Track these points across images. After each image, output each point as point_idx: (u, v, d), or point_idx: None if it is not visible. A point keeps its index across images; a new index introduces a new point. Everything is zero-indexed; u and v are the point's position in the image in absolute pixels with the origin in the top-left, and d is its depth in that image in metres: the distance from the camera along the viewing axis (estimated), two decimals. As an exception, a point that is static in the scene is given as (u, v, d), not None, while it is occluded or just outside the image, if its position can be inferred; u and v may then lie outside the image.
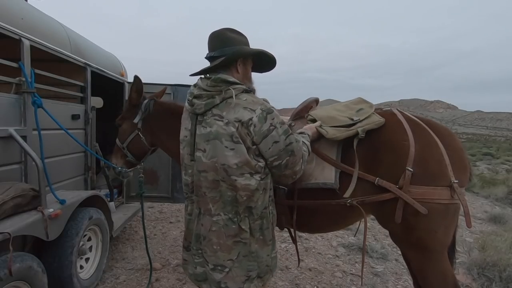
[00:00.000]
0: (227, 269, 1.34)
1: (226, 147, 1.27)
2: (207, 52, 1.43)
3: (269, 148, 1.29)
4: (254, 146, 1.30)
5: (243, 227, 1.33)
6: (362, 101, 1.89)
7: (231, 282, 1.34)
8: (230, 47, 1.37)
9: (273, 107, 1.36)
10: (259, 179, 1.32)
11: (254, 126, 1.26)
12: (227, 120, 1.27)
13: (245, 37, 1.45)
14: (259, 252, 1.37)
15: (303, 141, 1.48)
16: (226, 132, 1.27)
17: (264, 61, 1.54)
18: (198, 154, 1.35)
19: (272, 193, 1.49)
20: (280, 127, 1.31)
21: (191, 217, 1.45)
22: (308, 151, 1.50)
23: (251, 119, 1.26)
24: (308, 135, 1.61)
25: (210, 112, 1.33)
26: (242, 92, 1.34)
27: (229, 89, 1.30)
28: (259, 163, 1.31)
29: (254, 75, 1.55)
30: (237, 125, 1.26)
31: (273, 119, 1.29)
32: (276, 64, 1.55)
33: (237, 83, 1.34)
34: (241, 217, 1.33)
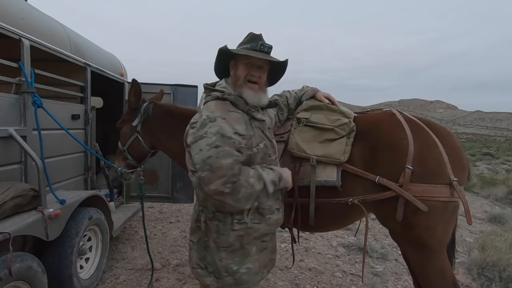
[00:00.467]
0: (189, 247, 1.53)
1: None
2: None
3: (196, 154, 1.27)
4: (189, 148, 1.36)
5: (201, 218, 1.44)
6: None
7: (190, 260, 1.53)
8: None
9: (225, 119, 1.29)
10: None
11: (195, 129, 1.32)
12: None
13: (250, 35, 1.45)
14: (213, 252, 1.41)
15: (259, 175, 1.31)
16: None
17: (276, 67, 1.54)
18: None
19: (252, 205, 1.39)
20: (211, 137, 1.24)
21: None
22: (264, 189, 1.32)
23: (196, 122, 1.34)
24: (282, 175, 1.43)
25: None
26: (214, 99, 1.42)
27: (203, 95, 1.47)
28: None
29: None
30: (188, 126, 1.37)
31: (210, 127, 1.26)
32: (286, 67, 1.55)
33: (215, 90, 1.45)
34: (200, 209, 1.45)
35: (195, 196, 1.54)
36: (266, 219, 1.40)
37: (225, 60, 1.48)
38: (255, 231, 1.38)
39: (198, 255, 1.47)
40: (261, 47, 1.37)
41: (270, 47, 1.40)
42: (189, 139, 1.33)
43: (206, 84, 1.52)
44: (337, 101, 1.88)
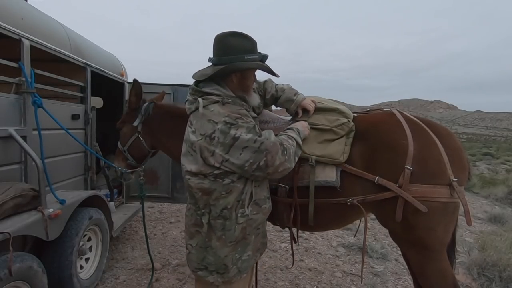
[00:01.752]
0: (187, 251, 1.53)
1: (188, 152, 1.40)
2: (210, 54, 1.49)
3: (240, 154, 1.30)
4: (216, 156, 1.31)
5: (203, 221, 1.43)
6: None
7: (189, 263, 1.53)
8: (229, 56, 1.39)
9: (242, 117, 1.35)
10: (213, 179, 1.36)
11: (218, 139, 1.31)
12: (193, 129, 1.38)
13: (250, 40, 1.42)
14: (217, 250, 1.43)
15: (288, 135, 1.51)
16: (189, 139, 1.39)
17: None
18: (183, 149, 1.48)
19: (252, 198, 1.44)
20: (246, 135, 1.31)
21: None
22: (298, 144, 1.51)
23: (214, 131, 1.31)
24: (298, 130, 1.60)
25: (190, 116, 1.46)
26: (214, 103, 1.39)
27: (197, 100, 1.40)
28: (215, 171, 1.35)
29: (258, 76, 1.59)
30: (200, 137, 1.34)
31: (237, 129, 1.31)
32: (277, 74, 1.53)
33: (211, 94, 1.41)
34: (202, 212, 1.43)
35: (189, 202, 1.50)
36: (262, 208, 1.51)
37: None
38: (254, 221, 1.48)
39: (198, 258, 1.47)
40: (264, 58, 1.46)
41: (268, 56, 1.49)
42: (218, 150, 1.30)
43: (195, 87, 1.46)
44: (337, 101, 1.86)
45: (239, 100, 1.47)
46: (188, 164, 1.39)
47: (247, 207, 1.43)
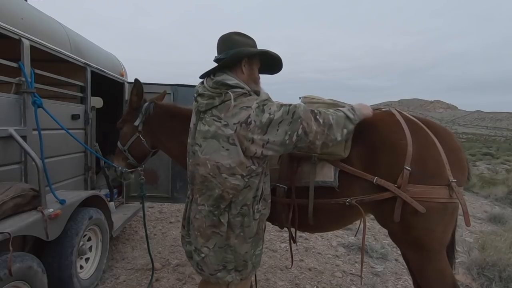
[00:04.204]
0: (203, 255, 1.45)
1: (223, 147, 1.34)
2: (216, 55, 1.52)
3: (277, 130, 1.33)
4: (256, 142, 1.33)
5: (222, 220, 1.41)
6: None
7: (205, 267, 1.46)
8: (235, 48, 1.44)
9: (269, 99, 1.41)
10: (247, 180, 1.38)
11: (254, 122, 1.32)
12: (225, 122, 1.34)
13: (252, 39, 1.50)
14: (237, 247, 1.43)
15: (336, 109, 1.50)
16: (223, 133, 1.34)
17: (270, 62, 1.58)
18: (195, 148, 1.44)
19: (262, 194, 1.49)
20: (279, 110, 1.34)
21: (187, 200, 1.58)
22: (346, 116, 1.46)
23: (249, 116, 1.32)
24: (353, 107, 1.55)
25: (210, 111, 1.40)
26: (241, 95, 1.39)
27: (228, 93, 1.37)
28: (252, 166, 1.36)
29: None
30: (235, 127, 1.32)
31: (270, 108, 1.34)
32: (283, 64, 1.59)
33: (237, 87, 1.40)
34: (221, 211, 1.41)
35: (200, 204, 1.45)
36: (268, 203, 1.56)
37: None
38: (264, 216, 1.54)
39: (216, 260, 1.43)
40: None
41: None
42: (256, 134, 1.31)
43: (219, 80, 1.41)
44: (337, 101, 1.86)
45: (255, 94, 1.48)
46: (225, 160, 1.33)
47: (258, 202, 1.47)
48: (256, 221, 1.46)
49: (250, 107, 1.34)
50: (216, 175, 1.37)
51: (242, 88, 1.41)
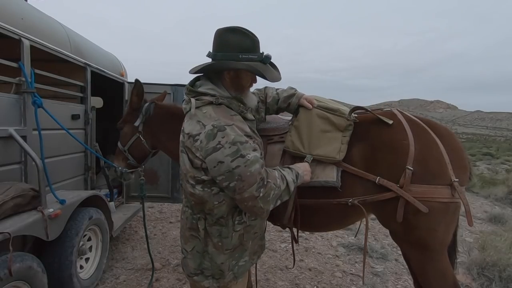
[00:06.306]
0: (183, 256, 1.49)
1: (181, 150, 1.36)
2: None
3: (214, 167, 1.22)
4: (198, 159, 1.26)
5: (199, 226, 1.38)
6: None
7: (185, 267, 1.49)
8: (223, 53, 1.33)
9: (233, 124, 1.26)
10: (201, 189, 1.30)
11: (200, 142, 1.23)
12: (183, 128, 1.35)
13: (250, 38, 1.34)
14: (214, 256, 1.38)
15: (282, 175, 1.36)
16: (181, 139, 1.35)
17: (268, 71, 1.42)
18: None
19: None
20: (229, 147, 1.20)
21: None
22: (287, 188, 1.35)
23: (198, 134, 1.24)
24: (298, 173, 1.46)
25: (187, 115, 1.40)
26: (207, 104, 1.32)
27: (190, 100, 1.35)
28: (202, 176, 1.29)
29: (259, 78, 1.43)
30: (186, 136, 1.29)
31: (222, 137, 1.21)
32: (280, 77, 1.42)
33: (206, 94, 1.35)
34: (197, 216, 1.39)
35: (185, 205, 1.46)
36: None
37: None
38: (252, 227, 1.44)
39: (194, 263, 1.43)
40: (265, 59, 1.36)
41: (270, 58, 1.38)
42: (199, 154, 1.24)
43: (190, 87, 1.40)
44: (337, 101, 1.85)
45: (235, 100, 1.39)
46: (182, 164, 1.36)
47: (245, 214, 1.38)
48: (237, 233, 1.37)
49: (204, 126, 1.24)
50: (182, 180, 1.40)
51: (213, 95, 1.34)
